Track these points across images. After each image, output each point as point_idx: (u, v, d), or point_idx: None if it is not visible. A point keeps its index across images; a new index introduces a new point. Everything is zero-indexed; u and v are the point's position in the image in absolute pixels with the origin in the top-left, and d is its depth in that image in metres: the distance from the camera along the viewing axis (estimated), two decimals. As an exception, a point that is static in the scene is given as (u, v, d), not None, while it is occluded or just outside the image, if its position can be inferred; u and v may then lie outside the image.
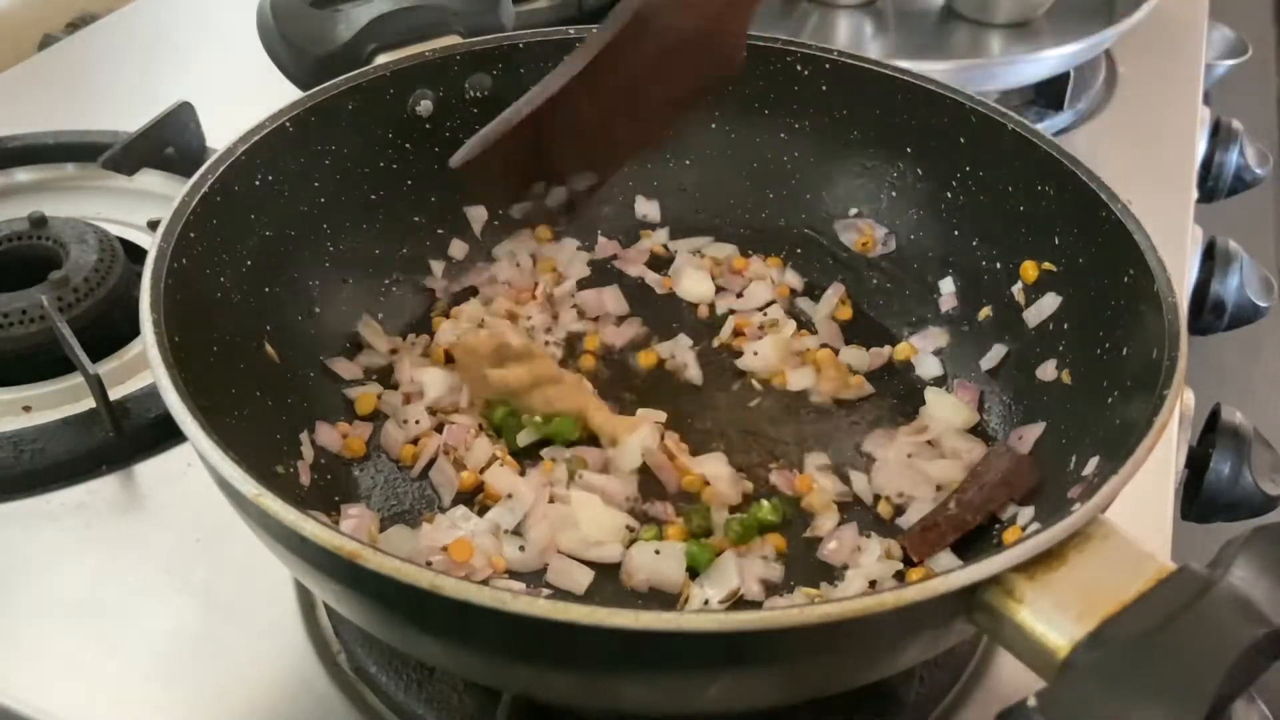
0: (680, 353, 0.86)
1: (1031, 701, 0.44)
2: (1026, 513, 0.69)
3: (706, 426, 0.81)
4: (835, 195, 0.92)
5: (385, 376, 0.83)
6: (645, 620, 0.48)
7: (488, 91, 0.89)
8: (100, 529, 0.78)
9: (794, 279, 0.92)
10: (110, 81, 1.28)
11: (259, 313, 0.76)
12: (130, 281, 0.90)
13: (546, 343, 0.86)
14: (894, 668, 0.59)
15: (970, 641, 0.70)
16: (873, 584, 0.69)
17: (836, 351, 0.86)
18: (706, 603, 0.68)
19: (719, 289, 0.92)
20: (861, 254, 0.91)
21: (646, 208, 0.95)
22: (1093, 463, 0.64)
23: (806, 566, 0.72)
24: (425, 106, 0.87)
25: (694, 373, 0.85)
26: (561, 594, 0.69)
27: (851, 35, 1.31)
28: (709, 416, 0.82)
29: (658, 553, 0.70)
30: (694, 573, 0.70)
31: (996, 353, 0.82)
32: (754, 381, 0.85)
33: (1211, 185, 1.31)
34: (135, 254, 0.93)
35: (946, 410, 0.80)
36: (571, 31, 0.90)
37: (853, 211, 0.91)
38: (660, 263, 0.94)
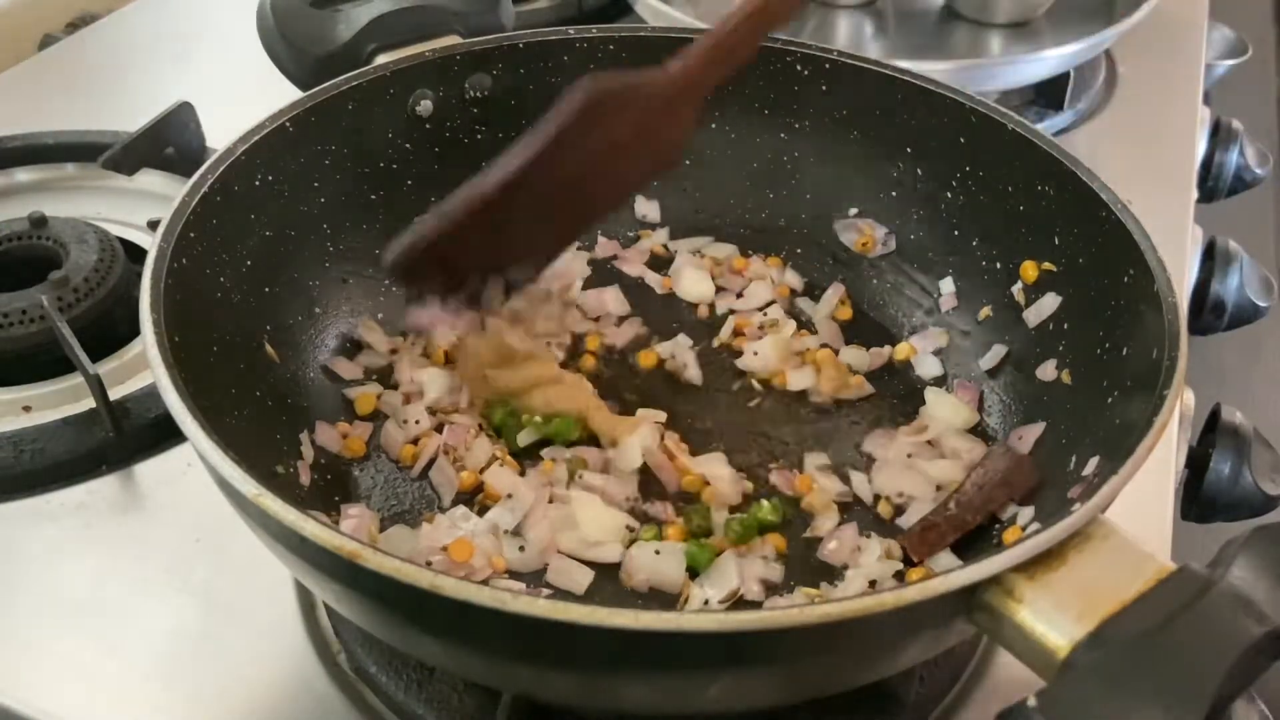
0: (680, 353, 0.86)
1: (1031, 701, 0.44)
2: (1026, 513, 0.69)
3: (706, 426, 0.81)
4: (835, 195, 0.92)
5: (385, 376, 0.83)
6: (645, 620, 0.48)
7: (488, 91, 0.89)
8: (100, 529, 0.78)
9: (794, 279, 0.92)
10: (110, 81, 1.28)
11: (259, 313, 0.76)
12: (130, 281, 0.90)
13: (548, 343, 0.86)
14: (894, 668, 0.59)
15: (970, 641, 0.70)
16: (873, 584, 0.69)
17: (836, 351, 0.86)
18: (706, 603, 0.68)
19: (719, 289, 0.92)
20: (861, 254, 0.91)
21: (646, 208, 0.95)
22: (1093, 463, 0.64)
23: (806, 566, 0.72)
24: (425, 106, 0.87)
25: (694, 372, 0.85)
26: (561, 594, 0.69)
27: (851, 35, 1.31)
28: (709, 416, 0.82)
29: (658, 553, 0.70)
30: (694, 573, 0.70)
31: (996, 353, 0.82)
32: (754, 381, 0.84)
33: (1211, 185, 1.31)
34: (135, 254, 0.94)
35: (946, 410, 0.80)
36: (571, 31, 0.90)
37: (853, 211, 0.91)
38: (660, 263, 0.94)
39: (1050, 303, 0.78)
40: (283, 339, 0.78)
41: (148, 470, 0.82)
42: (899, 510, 0.75)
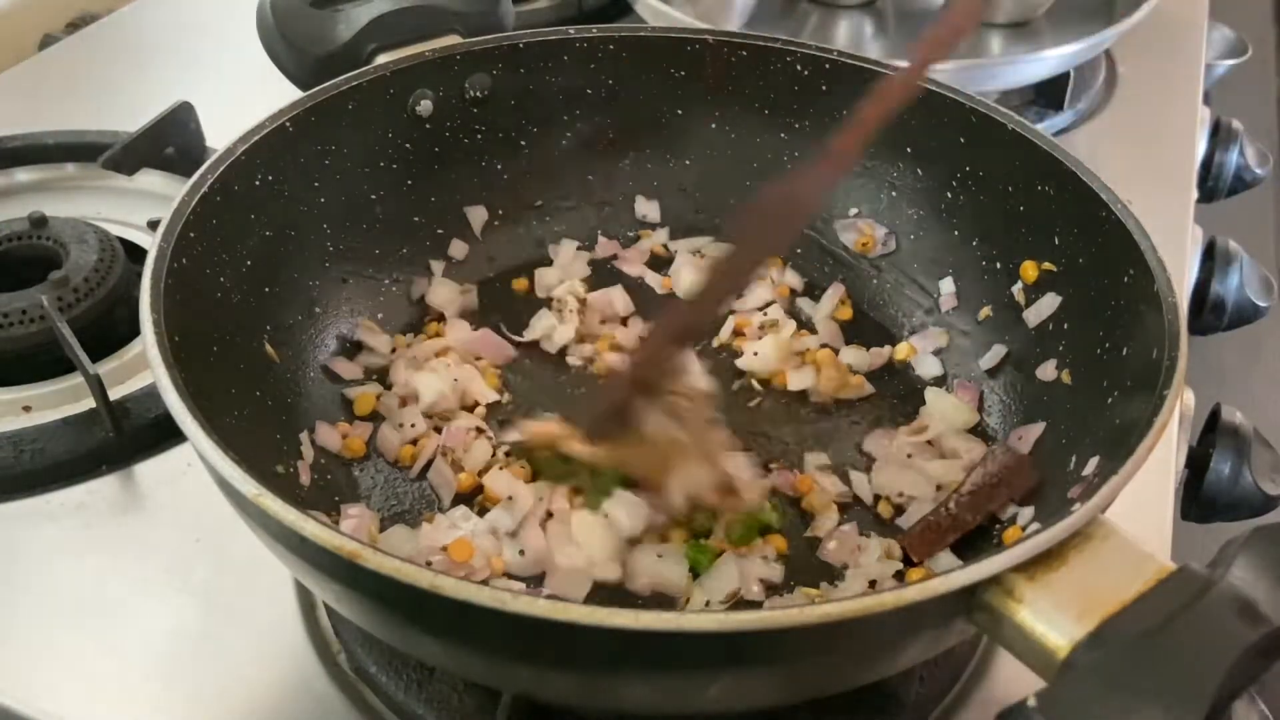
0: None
1: (1031, 702, 0.44)
2: (1026, 513, 0.69)
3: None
4: (835, 195, 0.91)
5: (385, 377, 0.83)
6: (645, 620, 0.48)
7: (488, 91, 0.89)
8: (100, 529, 0.78)
9: (794, 279, 0.92)
10: (110, 81, 1.28)
11: (259, 313, 0.76)
12: (130, 281, 0.90)
13: (566, 352, 0.86)
14: (894, 668, 0.59)
15: (970, 641, 0.70)
16: (872, 584, 0.69)
17: (836, 351, 0.86)
18: (707, 603, 0.68)
19: (719, 289, 0.92)
20: (861, 254, 0.91)
21: (646, 208, 0.95)
22: (1093, 463, 0.64)
23: (807, 566, 0.72)
24: (425, 106, 0.87)
25: (695, 369, 0.85)
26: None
27: (851, 35, 1.31)
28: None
29: (660, 556, 0.70)
30: (694, 573, 0.70)
31: (996, 353, 0.82)
32: (754, 381, 0.85)
33: (1211, 185, 1.31)
34: (135, 254, 0.93)
35: (946, 410, 0.80)
36: (571, 31, 0.90)
37: (853, 211, 0.91)
38: (660, 263, 0.94)
39: (1050, 303, 0.78)
40: (283, 339, 0.78)
41: (148, 470, 0.82)
42: (899, 510, 0.75)
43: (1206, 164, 1.29)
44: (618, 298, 0.90)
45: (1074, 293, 0.77)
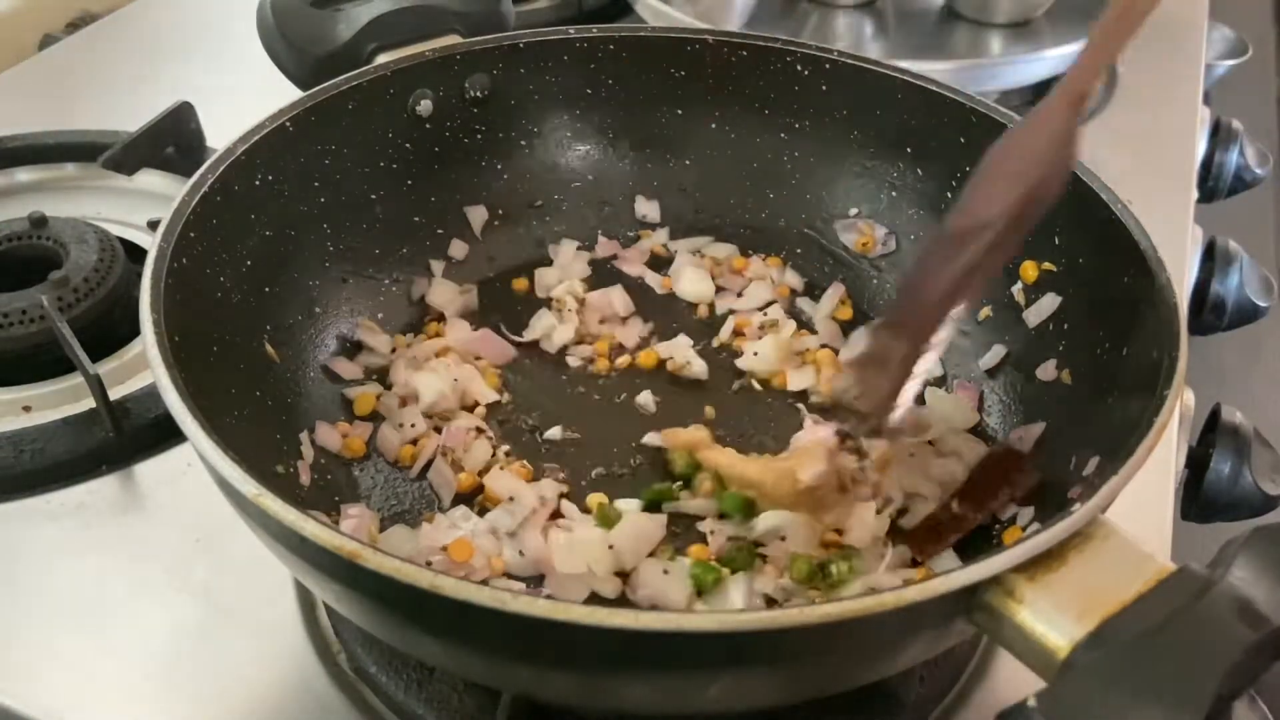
0: (680, 352, 0.86)
1: (1031, 702, 0.44)
2: (1026, 513, 0.69)
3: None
4: (835, 195, 0.92)
5: (385, 376, 0.83)
6: (645, 620, 0.48)
7: (488, 91, 0.89)
8: (100, 529, 0.78)
9: (794, 279, 0.92)
10: (110, 81, 1.28)
11: (259, 312, 0.76)
12: (130, 281, 0.90)
13: (566, 352, 0.86)
14: (894, 668, 0.59)
15: (970, 641, 0.70)
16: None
17: (836, 351, 0.86)
18: None
19: (719, 289, 0.92)
20: (861, 254, 0.91)
21: (646, 208, 0.95)
22: (1093, 463, 0.64)
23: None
24: (425, 106, 0.87)
25: (698, 367, 0.85)
26: (561, 594, 0.69)
27: (851, 35, 1.31)
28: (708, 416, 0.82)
29: (666, 572, 0.69)
30: (698, 592, 0.69)
31: (996, 353, 0.82)
32: (754, 381, 0.85)
33: (1211, 185, 1.31)
34: (135, 254, 0.94)
35: (947, 410, 0.80)
36: (571, 31, 0.90)
37: (853, 211, 0.91)
38: (660, 263, 0.94)
39: (1050, 303, 0.78)
40: (283, 339, 0.78)
41: (148, 470, 0.82)
42: (901, 510, 0.75)
43: (1206, 164, 1.29)
44: (617, 298, 0.90)
45: (1074, 293, 0.77)
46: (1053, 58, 1.15)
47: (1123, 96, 1.28)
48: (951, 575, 0.50)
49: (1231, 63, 1.45)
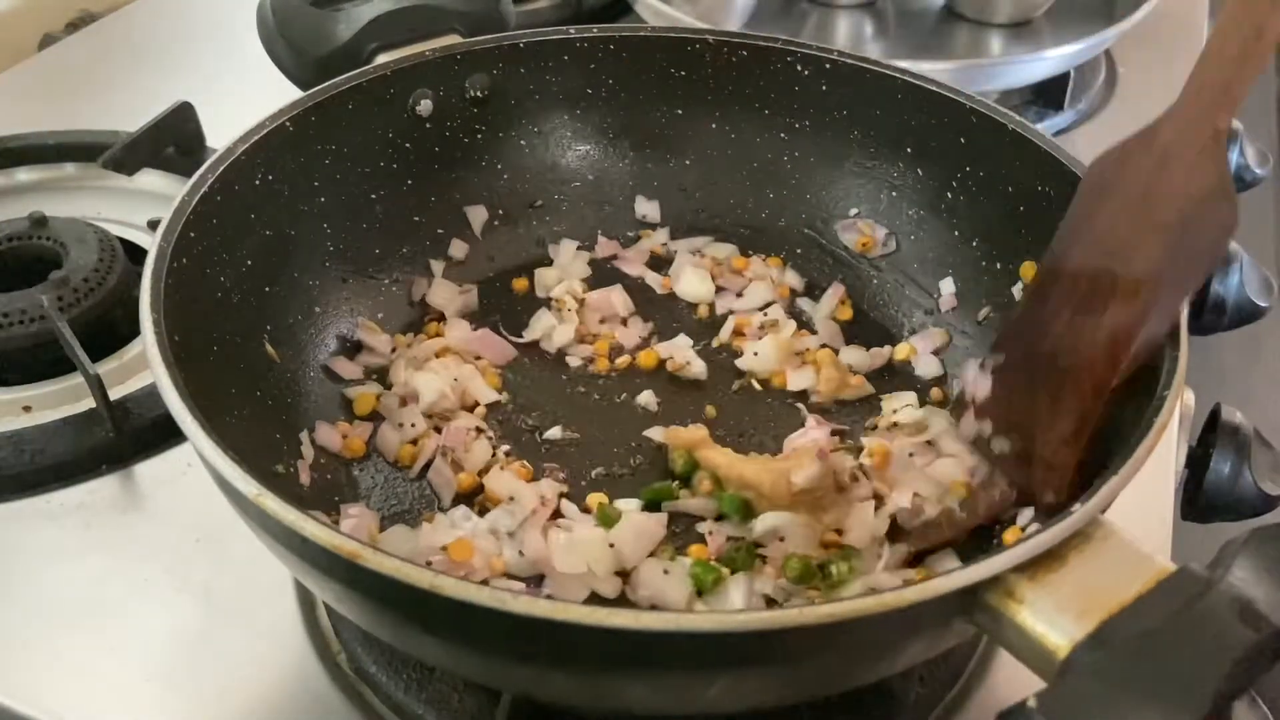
0: (680, 351, 0.86)
1: (1031, 702, 0.44)
2: (1027, 513, 0.69)
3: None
4: (835, 195, 0.92)
5: (385, 376, 0.83)
6: (645, 620, 0.48)
7: (488, 91, 0.89)
8: (100, 529, 0.78)
9: (794, 279, 0.92)
10: (110, 81, 1.28)
11: (259, 312, 0.76)
12: (130, 281, 0.90)
13: (566, 352, 0.86)
14: (894, 668, 0.59)
15: (970, 641, 0.70)
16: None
17: (836, 351, 0.86)
18: None
19: (719, 289, 0.92)
20: (862, 254, 0.91)
21: (646, 208, 0.95)
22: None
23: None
24: (425, 106, 0.87)
25: (698, 367, 0.85)
26: (561, 594, 0.69)
27: (851, 35, 1.31)
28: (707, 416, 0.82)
29: (666, 572, 0.69)
30: (698, 593, 0.68)
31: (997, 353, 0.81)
32: (754, 381, 0.84)
33: (1212, 185, 1.30)
34: (135, 254, 0.94)
35: (947, 410, 0.80)
36: (571, 31, 0.90)
37: (853, 211, 0.91)
38: (660, 263, 0.94)
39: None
40: (283, 338, 0.78)
41: (148, 470, 0.82)
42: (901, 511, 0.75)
43: (1207, 164, 1.29)
44: (617, 298, 0.90)
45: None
46: (1053, 58, 1.15)
47: (1123, 96, 1.28)
48: (951, 575, 0.50)
49: (1231, 63, 1.44)
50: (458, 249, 0.91)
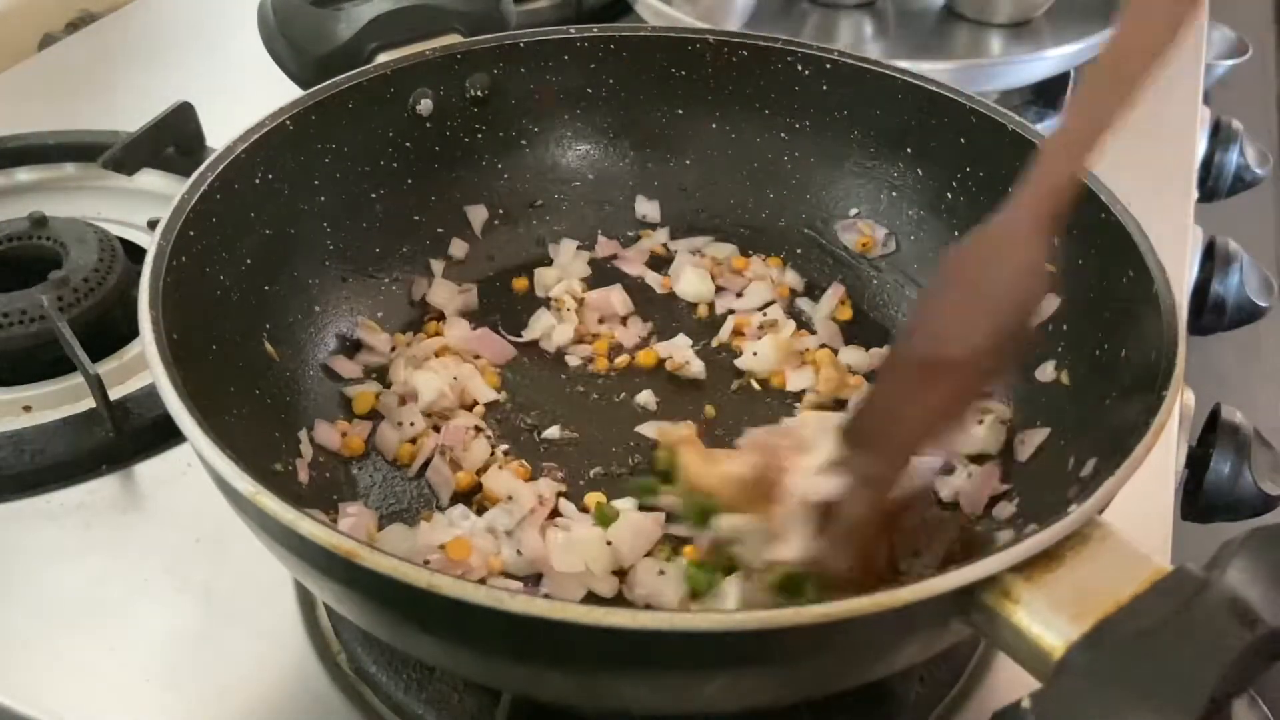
0: (679, 351, 0.86)
1: (1026, 703, 0.44)
2: (1010, 507, 0.69)
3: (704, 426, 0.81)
4: (835, 195, 0.92)
5: (385, 375, 0.83)
6: (643, 620, 0.48)
7: (488, 91, 0.89)
8: (100, 529, 0.78)
9: (794, 279, 0.92)
10: (110, 81, 1.28)
11: (258, 311, 0.76)
12: (130, 281, 0.90)
13: (565, 351, 0.87)
14: (891, 667, 0.59)
15: (970, 642, 0.70)
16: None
17: (836, 352, 0.86)
18: None
19: (719, 289, 0.92)
20: (862, 254, 0.91)
21: (646, 208, 0.95)
22: (1090, 464, 0.64)
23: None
24: (425, 105, 0.87)
25: (696, 367, 0.85)
26: (560, 594, 0.69)
27: (851, 35, 1.31)
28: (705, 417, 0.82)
29: (662, 573, 0.69)
30: (693, 595, 0.68)
31: (995, 353, 0.81)
32: (753, 381, 0.85)
33: (1211, 185, 1.31)
34: (135, 254, 0.94)
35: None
36: (571, 31, 0.90)
37: (853, 212, 0.91)
38: (660, 263, 0.94)
39: (1049, 304, 0.78)
40: (282, 337, 0.78)
41: (148, 470, 0.82)
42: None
43: (1206, 164, 1.29)
44: (616, 297, 0.90)
45: (1073, 294, 0.77)
46: (1053, 58, 1.15)
47: (1123, 96, 1.27)
48: (948, 575, 0.50)
49: (1231, 63, 1.45)
50: (458, 248, 0.91)
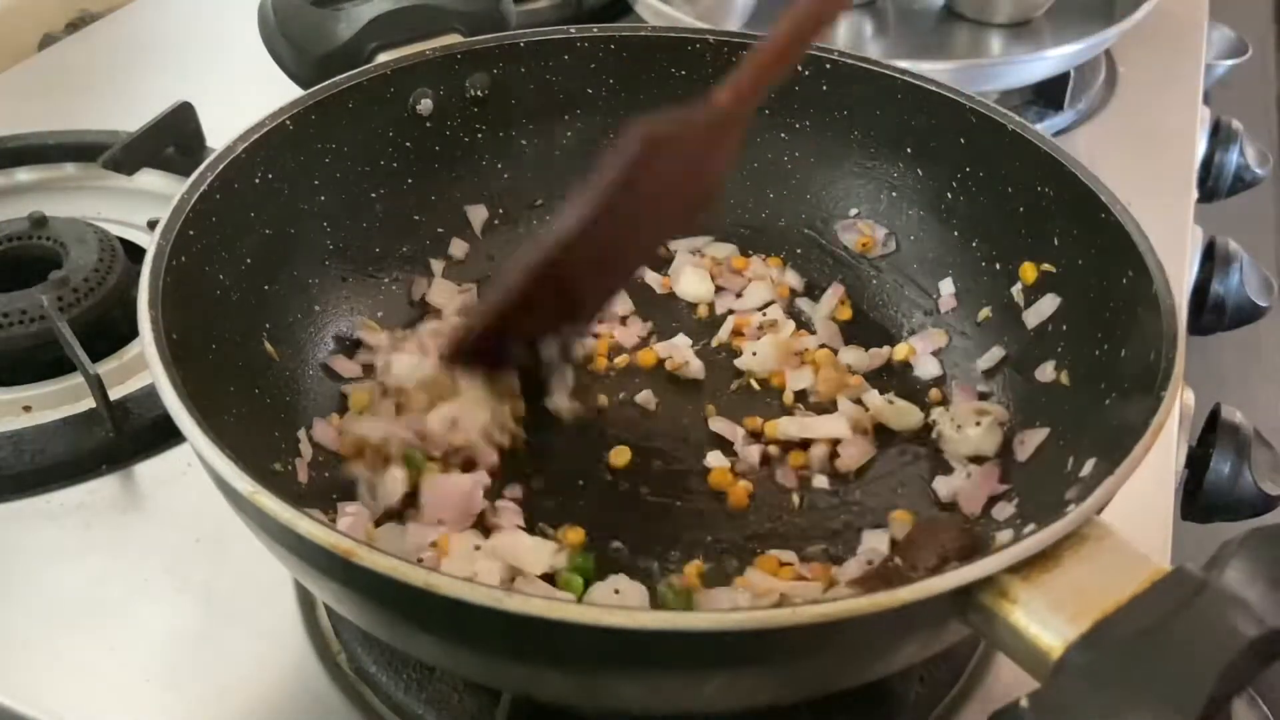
0: (679, 351, 0.86)
1: (1024, 703, 0.44)
2: (1009, 507, 0.69)
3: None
4: (835, 195, 0.92)
5: (384, 376, 0.83)
6: (641, 619, 0.48)
7: (488, 91, 0.89)
8: (100, 529, 0.78)
9: (794, 279, 0.92)
10: (110, 81, 1.28)
11: (258, 311, 0.76)
12: (130, 281, 0.90)
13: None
14: (889, 668, 0.59)
15: (970, 642, 0.70)
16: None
17: (836, 352, 0.86)
18: None
19: (719, 289, 0.92)
20: (861, 254, 0.91)
21: (646, 207, 0.95)
22: (1090, 464, 0.64)
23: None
24: (425, 105, 0.87)
25: (695, 366, 0.85)
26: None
27: (851, 35, 1.31)
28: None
29: (617, 591, 0.68)
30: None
31: (995, 354, 0.81)
32: (753, 381, 0.84)
33: (1211, 185, 1.31)
34: (135, 254, 0.94)
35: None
36: (572, 31, 0.90)
37: (853, 212, 0.91)
38: (660, 262, 0.94)
39: (1049, 304, 0.78)
40: (282, 337, 0.78)
41: (148, 470, 0.82)
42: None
43: (1206, 164, 1.29)
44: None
45: (1073, 294, 0.77)
46: (1053, 58, 1.15)
47: (1123, 96, 1.28)
48: (946, 576, 0.50)
49: (1231, 63, 1.45)
50: (458, 248, 0.91)
